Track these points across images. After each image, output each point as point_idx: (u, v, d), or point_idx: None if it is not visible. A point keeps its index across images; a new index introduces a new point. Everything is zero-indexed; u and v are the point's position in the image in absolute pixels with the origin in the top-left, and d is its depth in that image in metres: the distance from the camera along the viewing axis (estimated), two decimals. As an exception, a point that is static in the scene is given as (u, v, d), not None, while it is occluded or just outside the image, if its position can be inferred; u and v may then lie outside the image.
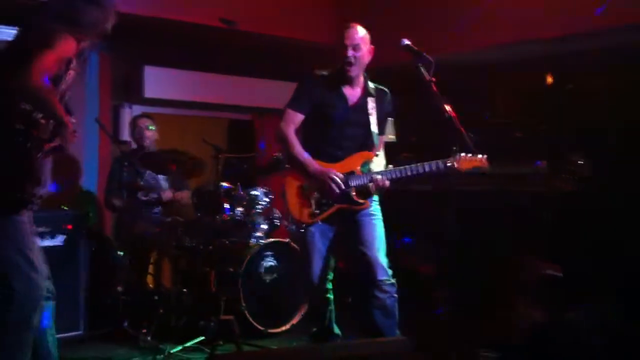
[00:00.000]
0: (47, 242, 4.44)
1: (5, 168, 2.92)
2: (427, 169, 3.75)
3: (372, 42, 3.94)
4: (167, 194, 5.40)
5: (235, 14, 6.00)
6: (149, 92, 6.34)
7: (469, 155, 3.69)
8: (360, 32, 3.87)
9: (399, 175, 3.81)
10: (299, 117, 3.88)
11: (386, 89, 4.07)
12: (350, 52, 3.80)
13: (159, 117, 5.89)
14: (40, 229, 4.19)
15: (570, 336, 3.66)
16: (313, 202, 3.86)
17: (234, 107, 7.11)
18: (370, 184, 3.80)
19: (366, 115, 3.91)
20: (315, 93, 3.89)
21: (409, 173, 3.80)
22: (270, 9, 6.26)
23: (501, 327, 4.02)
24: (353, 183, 3.82)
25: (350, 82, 3.91)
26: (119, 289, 4.94)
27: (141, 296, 4.93)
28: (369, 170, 3.91)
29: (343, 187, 3.78)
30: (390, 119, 5.76)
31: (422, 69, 3.58)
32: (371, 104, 3.93)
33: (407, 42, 3.67)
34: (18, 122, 2.90)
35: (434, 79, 3.54)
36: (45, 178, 3.02)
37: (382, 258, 3.86)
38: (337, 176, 3.77)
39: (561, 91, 6.00)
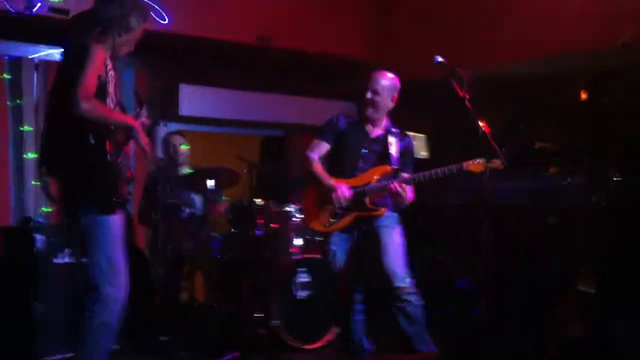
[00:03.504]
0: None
1: (93, 179, 3.13)
2: (440, 173, 3.86)
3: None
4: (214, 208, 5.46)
5: (270, 31, 6.08)
6: (185, 109, 6.43)
7: (482, 159, 3.74)
8: (384, 79, 4.08)
9: (414, 179, 3.95)
10: (324, 146, 4.15)
11: (410, 134, 4.27)
12: (369, 95, 4.03)
13: (194, 135, 5.95)
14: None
15: (609, 348, 3.60)
16: (328, 212, 4.04)
17: (267, 124, 7.17)
18: (386, 189, 3.92)
19: (385, 145, 4.09)
20: (340, 126, 4.16)
21: (426, 176, 3.91)
22: (305, 26, 6.32)
23: (541, 337, 3.99)
24: (368, 191, 4.00)
25: (372, 122, 4.14)
26: (154, 302, 5.00)
27: (175, 310, 4.98)
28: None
29: (346, 198, 3.94)
30: (423, 135, 5.79)
31: (456, 85, 3.60)
32: (392, 139, 4.10)
33: (440, 59, 3.69)
34: (91, 137, 3.11)
35: (467, 95, 3.55)
36: (128, 172, 3.30)
37: (399, 267, 3.96)
38: (344, 189, 3.95)
39: (596, 105, 5.94)
